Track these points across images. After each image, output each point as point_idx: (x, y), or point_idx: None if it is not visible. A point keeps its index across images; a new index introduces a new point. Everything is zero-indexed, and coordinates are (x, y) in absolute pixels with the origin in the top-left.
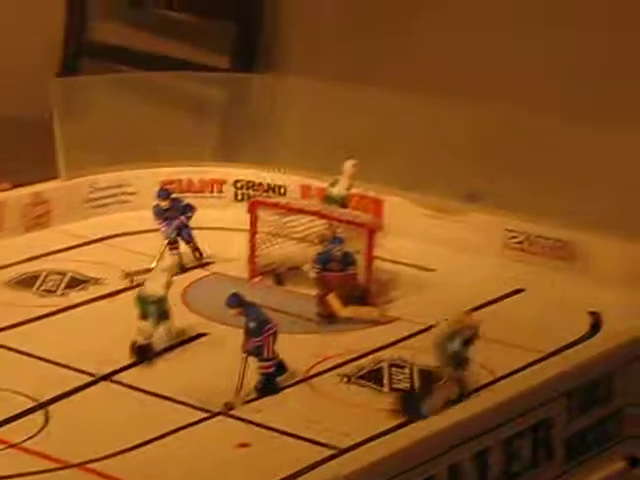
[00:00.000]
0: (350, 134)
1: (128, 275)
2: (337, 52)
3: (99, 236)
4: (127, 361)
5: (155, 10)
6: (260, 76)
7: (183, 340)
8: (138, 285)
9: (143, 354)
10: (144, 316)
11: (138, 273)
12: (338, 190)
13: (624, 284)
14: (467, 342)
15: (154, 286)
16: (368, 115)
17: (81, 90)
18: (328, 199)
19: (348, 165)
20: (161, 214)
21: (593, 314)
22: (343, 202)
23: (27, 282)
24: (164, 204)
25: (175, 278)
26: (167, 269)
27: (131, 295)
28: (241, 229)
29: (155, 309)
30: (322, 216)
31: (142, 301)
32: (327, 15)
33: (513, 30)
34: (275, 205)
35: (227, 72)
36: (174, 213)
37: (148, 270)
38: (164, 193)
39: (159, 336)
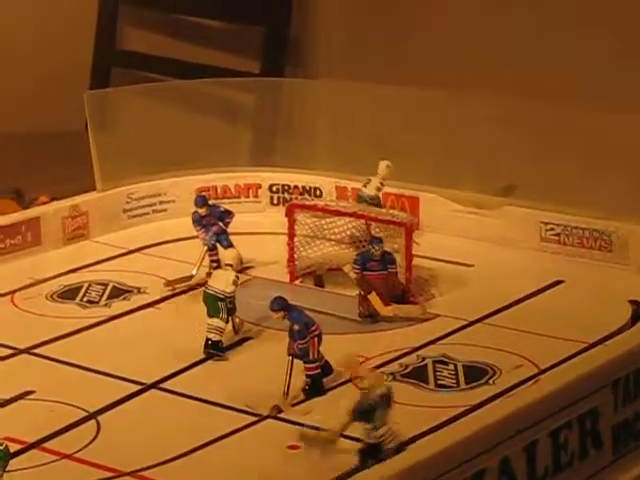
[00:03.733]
0: (382, 134)
1: (170, 283)
2: (367, 53)
3: (138, 246)
4: (174, 369)
5: (183, 17)
6: (290, 80)
7: (228, 345)
8: (180, 292)
9: (217, 350)
10: (213, 313)
11: (179, 281)
12: (369, 190)
13: None
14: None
15: (220, 283)
16: (399, 114)
17: (114, 101)
18: (359, 199)
19: (382, 166)
20: (199, 221)
21: (634, 302)
22: (374, 202)
23: (70, 294)
24: (202, 211)
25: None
26: (231, 264)
27: (175, 303)
28: (278, 232)
29: (224, 305)
30: (359, 217)
31: (211, 298)
32: (355, 17)
33: (539, 23)
34: (312, 207)
35: (258, 77)
36: (212, 219)
37: (189, 277)
38: (201, 200)
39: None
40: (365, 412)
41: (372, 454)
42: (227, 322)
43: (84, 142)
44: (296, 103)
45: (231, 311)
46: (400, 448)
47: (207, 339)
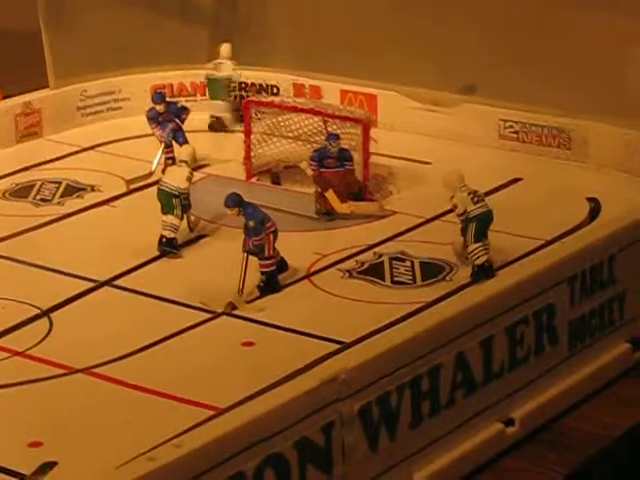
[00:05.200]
0: (342, 32)
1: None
2: None
3: (92, 144)
4: (128, 266)
5: None
6: None
7: (182, 243)
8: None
9: (171, 247)
10: (167, 210)
11: (138, 179)
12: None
13: (621, 170)
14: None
15: (174, 180)
16: (361, 13)
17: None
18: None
19: (225, 49)
20: (155, 118)
21: (591, 200)
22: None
23: (22, 192)
24: (160, 107)
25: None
26: (186, 161)
27: (128, 201)
28: (234, 130)
29: (179, 202)
30: (316, 113)
31: (165, 195)
32: None
33: None
34: (269, 104)
35: None
36: (168, 116)
37: (148, 175)
38: (159, 97)
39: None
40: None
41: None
42: (181, 219)
43: (37, 41)
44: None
45: (185, 208)
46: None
47: (161, 236)
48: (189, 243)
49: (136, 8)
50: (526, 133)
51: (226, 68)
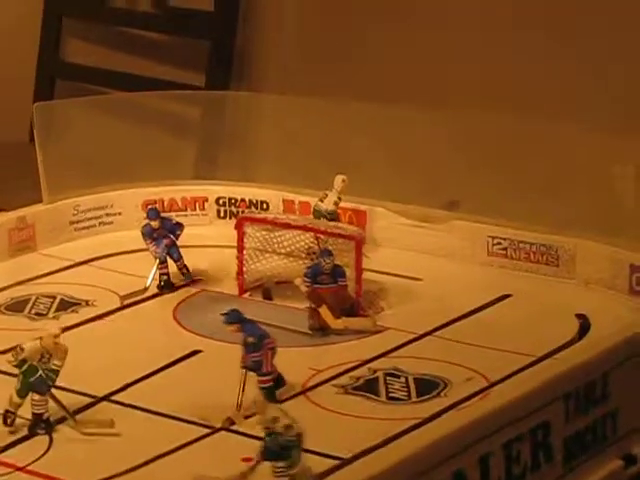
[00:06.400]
0: (328, 148)
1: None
2: (314, 69)
3: (85, 258)
4: (125, 381)
5: (128, 29)
6: (235, 93)
7: (178, 358)
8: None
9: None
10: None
11: (133, 295)
12: (326, 205)
13: (608, 286)
14: None
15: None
16: (345, 128)
17: (61, 113)
18: (316, 213)
19: (338, 180)
20: (150, 234)
21: (580, 316)
22: (332, 217)
23: (18, 306)
24: (155, 223)
25: (164, 297)
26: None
27: (124, 315)
28: (226, 245)
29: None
30: (309, 229)
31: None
32: (301, 33)
33: (490, 35)
34: (262, 221)
35: (203, 90)
36: (163, 232)
37: (143, 291)
38: (154, 212)
39: None
40: (281, 451)
41: None
42: None
43: (27, 153)
44: (241, 117)
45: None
46: None
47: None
48: (184, 359)
49: (126, 123)
50: (514, 250)
51: (328, 202)
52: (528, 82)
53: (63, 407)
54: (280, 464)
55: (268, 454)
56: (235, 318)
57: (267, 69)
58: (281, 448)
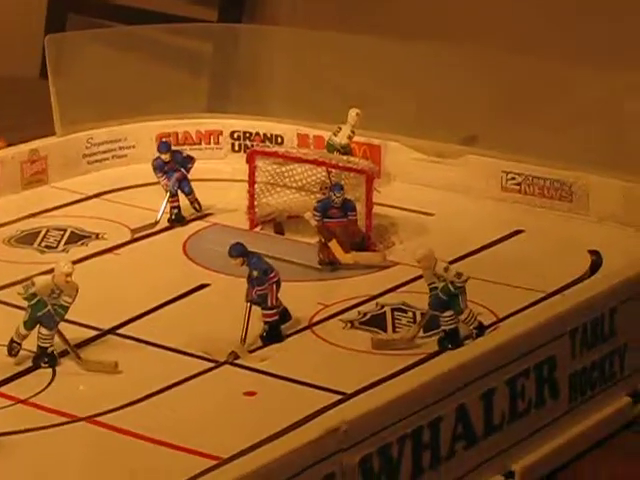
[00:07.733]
0: (343, 82)
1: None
2: (326, 3)
3: (97, 191)
4: (130, 314)
5: None
6: (248, 26)
7: (185, 292)
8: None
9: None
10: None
11: (143, 228)
12: (340, 138)
13: (622, 222)
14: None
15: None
16: (360, 62)
17: (72, 46)
18: (330, 147)
19: (352, 114)
20: (161, 167)
21: (593, 253)
22: (345, 150)
23: (28, 239)
24: (165, 157)
25: (175, 230)
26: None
27: (134, 248)
28: (239, 180)
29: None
30: (320, 164)
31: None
32: None
33: None
34: (274, 154)
35: (215, 23)
36: (174, 165)
37: (153, 224)
38: (165, 146)
39: None
40: (447, 300)
41: (452, 340)
42: None
43: (38, 88)
44: (254, 50)
45: None
46: (481, 327)
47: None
48: (191, 292)
49: (139, 58)
50: (528, 185)
51: (342, 135)
52: (547, 25)
53: (69, 344)
54: (447, 313)
55: (436, 304)
56: (238, 252)
57: (280, 4)
58: (449, 297)
